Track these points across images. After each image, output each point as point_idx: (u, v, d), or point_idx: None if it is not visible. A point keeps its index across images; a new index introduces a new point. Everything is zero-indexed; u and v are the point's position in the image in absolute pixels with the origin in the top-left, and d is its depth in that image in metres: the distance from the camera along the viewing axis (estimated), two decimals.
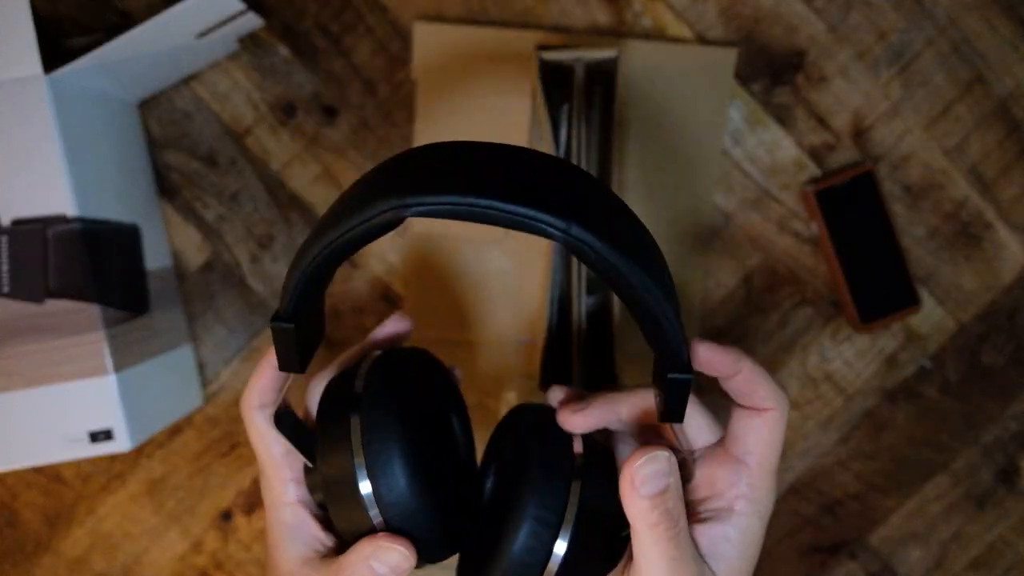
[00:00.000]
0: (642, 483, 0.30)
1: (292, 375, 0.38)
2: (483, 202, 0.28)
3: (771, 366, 0.63)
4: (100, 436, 0.50)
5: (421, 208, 0.28)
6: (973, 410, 0.63)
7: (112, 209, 0.53)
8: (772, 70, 0.60)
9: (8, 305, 0.49)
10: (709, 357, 0.32)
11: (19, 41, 0.48)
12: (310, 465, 0.39)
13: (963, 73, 0.60)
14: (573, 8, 0.59)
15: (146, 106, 0.60)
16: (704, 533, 0.32)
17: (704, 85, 0.59)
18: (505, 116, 0.59)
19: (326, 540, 0.39)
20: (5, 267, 0.49)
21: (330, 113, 0.60)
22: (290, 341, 0.33)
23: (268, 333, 0.61)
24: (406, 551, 0.35)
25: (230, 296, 0.61)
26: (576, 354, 0.57)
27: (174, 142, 0.60)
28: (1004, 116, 0.60)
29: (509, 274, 0.60)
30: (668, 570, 0.30)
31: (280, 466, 0.40)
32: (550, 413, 0.40)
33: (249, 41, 0.59)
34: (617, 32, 0.59)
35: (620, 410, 0.37)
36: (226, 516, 0.63)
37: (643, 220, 0.33)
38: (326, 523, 0.40)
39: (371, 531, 0.36)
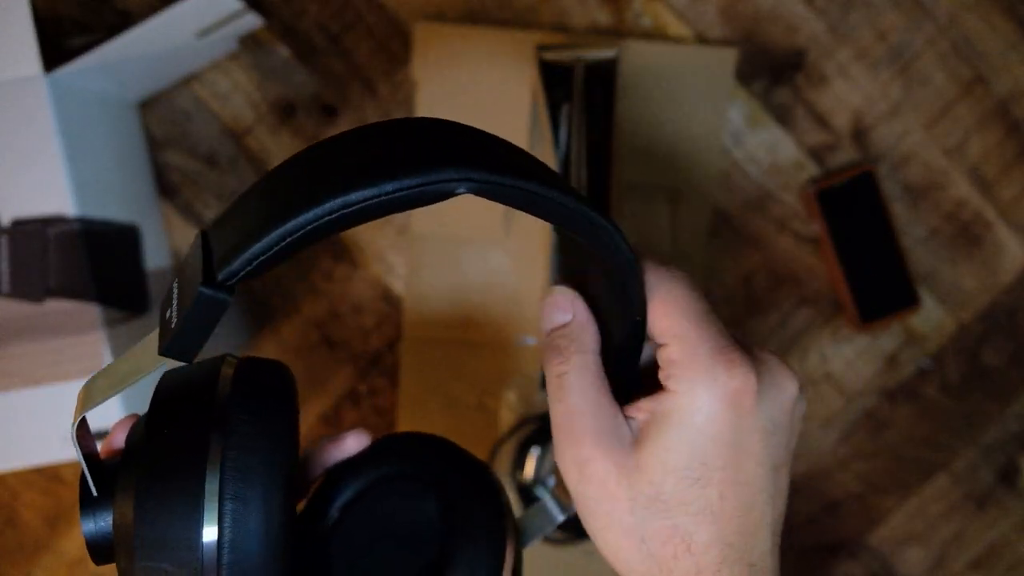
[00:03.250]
0: (542, 315, 0.32)
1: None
2: (554, 194, 0.26)
3: None
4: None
5: (487, 188, 0.25)
6: (973, 410, 0.63)
7: (112, 209, 0.53)
8: (772, 70, 0.60)
9: (8, 305, 0.49)
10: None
11: (19, 41, 0.48)
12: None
13: (963, 73, 0.60)
14: (573, 8, 0.59)
15: (146, 106, 0.60)
16: (642, 408, 0.31)
17: (704, 85, 0.59)
18: (505, 116, 0.59)
19: None
20: (5, 267, 0.49)
21: (330, 113, 0.60)
22: (215, 319, 0.24)
23: (268, 333, 0.61)
24: None
25: None
26: None
27: (174, 142, 0.60)
28: (1004, 116, 0.60)
29: (509, 274, 0.60)
30: (554, 412, 0.32)
31: None
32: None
33: (249, 41, 0.59)
34: (617, 32, 0.59)
35: None
36: None
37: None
38: None
39: None
